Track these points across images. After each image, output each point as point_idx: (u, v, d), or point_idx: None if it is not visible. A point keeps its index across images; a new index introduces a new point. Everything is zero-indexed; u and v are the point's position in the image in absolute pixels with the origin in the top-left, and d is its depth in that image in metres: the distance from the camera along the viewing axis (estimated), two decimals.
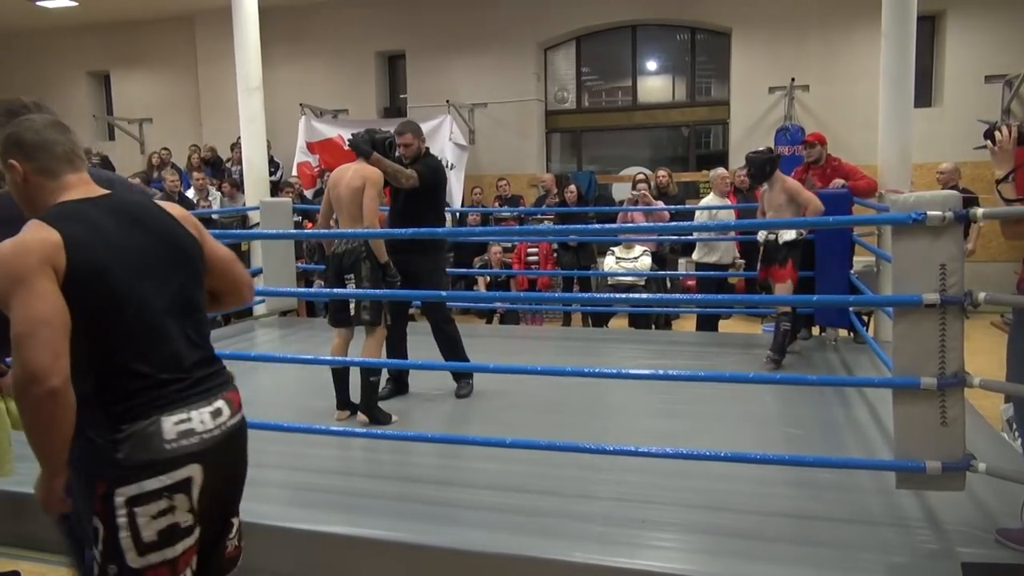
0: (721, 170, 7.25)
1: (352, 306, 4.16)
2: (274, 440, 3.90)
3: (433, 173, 4.60)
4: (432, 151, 10.15)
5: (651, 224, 7.08)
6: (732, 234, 6.70)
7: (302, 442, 3.92)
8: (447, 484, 3.32)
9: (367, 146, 4.25)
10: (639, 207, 7.23)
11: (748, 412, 4.14)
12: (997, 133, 2.72)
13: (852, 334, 5.92)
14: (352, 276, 4.11)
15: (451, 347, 4.61)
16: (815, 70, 9.77)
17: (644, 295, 6.59)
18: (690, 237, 7.28)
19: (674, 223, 7.25)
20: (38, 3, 11.36)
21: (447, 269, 4.88)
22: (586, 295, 6.05)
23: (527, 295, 6.93)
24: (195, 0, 11.20)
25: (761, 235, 5.46)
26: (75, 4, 11.50)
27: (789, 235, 5.26)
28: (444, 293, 4.34)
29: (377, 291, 4.02)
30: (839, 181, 5.81)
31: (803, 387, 4.81)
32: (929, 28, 9.63)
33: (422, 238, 4.29)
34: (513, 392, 4.45)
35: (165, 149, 11.38)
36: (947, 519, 2.87)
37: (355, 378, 4.26)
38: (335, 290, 4.17)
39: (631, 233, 7.14)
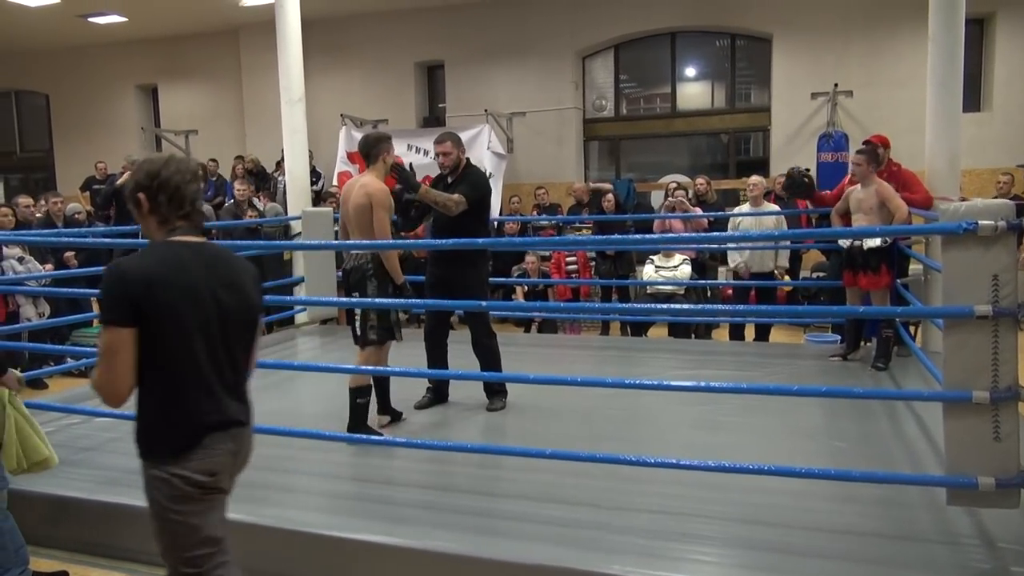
0: (755, 178, 7.12)
1: (359, 323, 4.06)
2: (315, 448, 3.95)
3: (477, 190, 4.48)
4: (471, 160, 10.38)
5: (689, 234, 7.01)
6: (774, 242, 6.61)
7: (341, 451, 3.96)
8: (486, 495, 3.32)
9: (415, 179, 4.19)
10: (676, 215, 7.16)
11: (792, 425, 4.06)
12: None
13: (898, 345, 5.78)
14: (358, 294, 4.05)
15: (489, 361, 4.52)
16: (858, 75, 9.60)
17: (684, 305, 6.47)
18: (728, 245, 7.16)
19: (714, 232, 7.16)
20: (89, 19, 11.72)
21: (487, 281, 4.79)
22: (624, 305, 5.97)
23: (565, 305, 6.89)
24: (239, 14, 11.43)
25: (844, 240, 5.38)
26: (124, 20, 11.84)
27: (874, 241, 5.19)
28: (484, 303, 4.25)
29: (401, 301, 3.96)
30: None
31: (849, 400, 4.73)
32: (977, 31, 9.40)
33: (462, 249, 4.23)
34: (552, 402, 4.43)
35: (212, 160, 11.63)
36: (1000, 537, 2.78)
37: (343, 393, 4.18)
38: (358, 299, 4.05)
39: (667, 241, 7.05)
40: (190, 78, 13.33)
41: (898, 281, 5.79)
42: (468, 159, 4.71)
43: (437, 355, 4.65)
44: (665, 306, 5.12)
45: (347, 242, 4.15)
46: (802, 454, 3.67)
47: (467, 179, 4.49)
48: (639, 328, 7.45)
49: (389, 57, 11.82)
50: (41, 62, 14.02)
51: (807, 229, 7.02)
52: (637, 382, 3.11)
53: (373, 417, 4.22)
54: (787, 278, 7.23)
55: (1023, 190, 8.26)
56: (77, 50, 13.60)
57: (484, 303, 4.14)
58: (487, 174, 10.10)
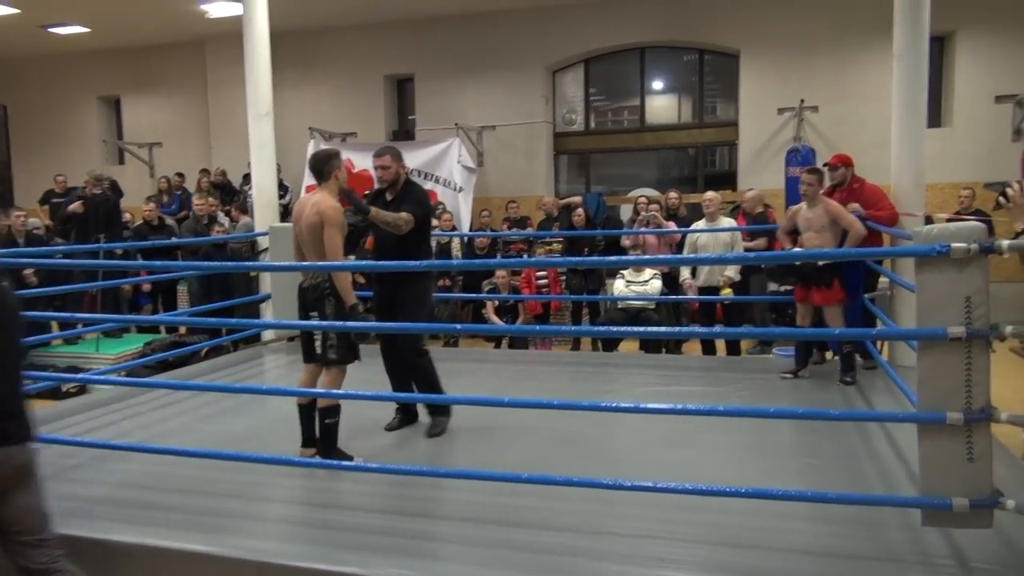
0: (709, 194, 7.20)
1: (318, 343, 3.98)
2: (285, 473, 3.86)
3: (423, 206, 4.44)
4: (440, 174, 10.35)
5: (656, 256, 7.05)
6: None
7: (312, 476, 3.87)
8: (460, 520, 3.26)
9: (364, 202, 4.15)
10: (650, 230, 7.19)
11: (766, 442, 4.06)
12: (1009, 191, 2.69)
13: (865, 358, 5.84)
14: (316, 314, 3.96)
15: (425, 381, 4.42)
16: (824, 91, 9.76)
17: (652, 328, 6.46)
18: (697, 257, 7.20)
19: (680, 255, 7.22)
20: (49, 29, 11.48)
21: (431, 296, 4.70)
22: (595, 329, 5.92)
23: (540, 329, 6.89)
24: (206, 25, 11.28)
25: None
26: (86, 30, 11.61)
27: (800, 251, 5.23)
28: (459, 327, 4.21)
29: (350, 324, 3.89)
30: (854, 206, 5.73)
31: (816, 406, 4.76)
32: (939, 48, 9.62)
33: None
34: (524, 422, 4.37)
35: (178, 174, 11.44)
36: (975, 557, 2.79)
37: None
38: (312, 322, 3.97)
39: (632, 261, 7.08)
40: (154, 90, 13.11)
41: (866, 296, 5.88)
42: (407, 174, 4.64)
43: (397, 374, 4.58)
44: (629, 329, 5.02)
45: (304, 263, 4.06)
46: (777, 473, 3.67)
47: (411, 196, 4.41)
48: (610, 343, 7.45)
49: (359, 70, 11.75)
50: (1, 73, 13.69)
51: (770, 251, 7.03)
52: (613, 405, 3.06)
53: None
54: (731, 292, 7.23)
55: (984, 204, 8.43)
56: (37, 60, 13.32)
57: (459, 326, 4.07)
58: (457, 188, 10.16)
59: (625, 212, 10.73)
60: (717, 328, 6.49)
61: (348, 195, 4.05)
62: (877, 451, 3.96)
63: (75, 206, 8.29)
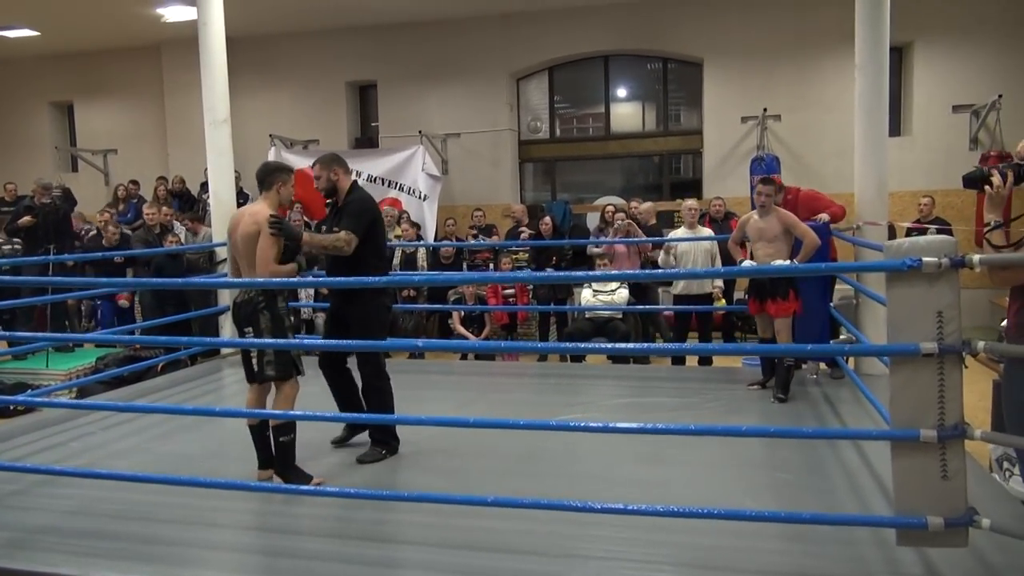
0: (690, 202, 7.19)
1: (255, 360, 3.84)
2: (241, 497, 3.70)
3: (363, 218, 4.15)
4: (405, 182, 10.20)
5: (625, 272, 7.02)
6: (713, 266, 6.68)
7: (271, 500, 3.72)
8: (424, 545, 3.14)
9: (296, 229, 3.98)
10: (620, 239, 7.15)
11: (735, 455, 4.00)
12: (993, 179, 2.62)
13: (832, 367, 5.85)
14: (251, 329, 3.82)
15: (380, 405, 4.22)
16: (786, 100, 9.84)
17: (625, 345, 6.39)
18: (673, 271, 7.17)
19: (660, 270, 7.17)
20: None
21: (385, 313, 4.44)
22: (561, 346, 5.78)
23: (499, 344, 6.79)
24: (161, 29, 11.00)
25: (746, 264, 5.38)
26: (36, 34, 11.25)
27: (781, 265, 5.20)
28: (421, 343, 4.08)
29: (291, 342, 3.77)
30: (824, 216, 5.73)
31: (786, 421, 4.72)
32: (897, 58, 9.75)
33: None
34: (487, 438, 4.24)
35: (133, 182, 11.13)
36: (950, 575, 2.75)
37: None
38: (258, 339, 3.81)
39: (603, 276, 7.03)
40: (108, 95, 12.75)
41: (830, 304, 5.89)
42: (355, 182, 4.37)
43: (339, 384, 4.41)
44: (595, 345, 4.94)
45: (242, 280, 3.89)
46: (749, 488, 3.61)
47: (348, 209, 4.17)
48: (578, 354, 7.38)
49: (319, 76, 11.56)
50: None
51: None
52: (582, 424, 2.96)
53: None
54: (723, 301, 7.30)
55: (943, 212, 8.55)
56: None
57: (421, 342, 3.94)
58: (422, 196, 10.03)
59: (592, 220, 10.70)
60: (687, 344, 6.44)
61: (276, 224, 3.80)
62: (848, 463, 3.92)
63: (24, 220, 8.01)
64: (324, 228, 4.29)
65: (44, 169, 11.95)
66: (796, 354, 5.40)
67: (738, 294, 8.00)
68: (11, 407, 6.10)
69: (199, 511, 3.52)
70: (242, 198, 10.33)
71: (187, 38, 7.58)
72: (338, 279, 4.14)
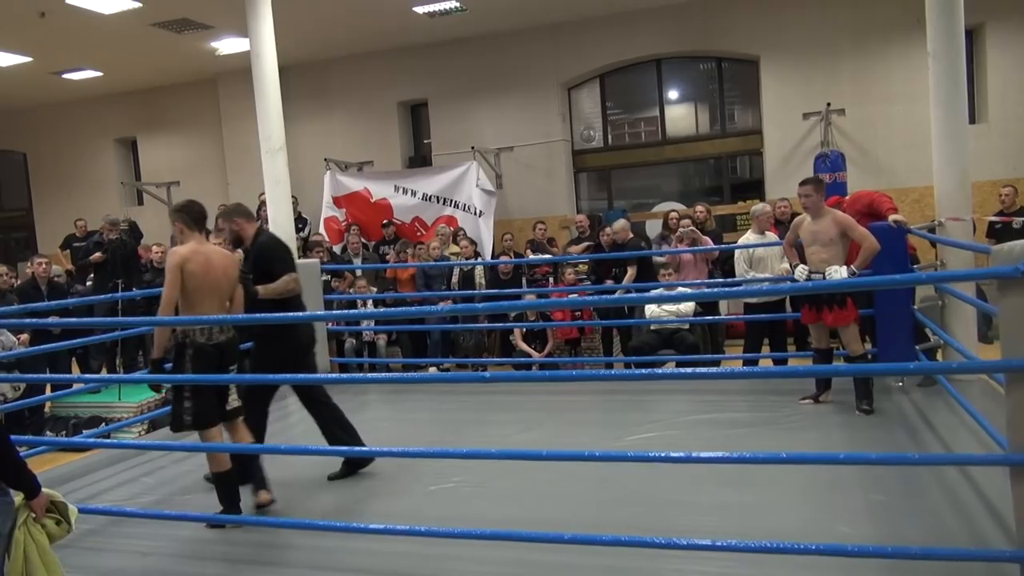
0: (764, 206, 6.91)
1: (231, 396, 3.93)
2: (302, 535, 3.62)
3: (267, 261, 4.24)
4: (459, 199, 10.14)
5: (685, 286, 6.76)
6: (781, 272, 6.38)
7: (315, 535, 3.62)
8: None
9: (250, 285, 4.11)
10: (686, 249, 6.90)
11: (822, 474, 3.72)
12: None
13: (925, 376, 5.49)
14: (235, 366, 3.94)
15: (334, 424, 4.33)
16: (849, 93, 9.45)
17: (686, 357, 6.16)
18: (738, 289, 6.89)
19: (721, 280, 6.95)
20: (63, 75, 11.49)
21: (287, 354, 4.29)
22: (615, 373, 5.58)
23: (544, 375, 6.67)
24: (216, 62, 11.23)
25: (800, 272, 5.11)
26: (99, 74, 11.62)
27: (840, 272, 4.92)
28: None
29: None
30: (896, 217, 5.39)
31: (875, 437, 4.44)
32: (968, 42, 9.27)
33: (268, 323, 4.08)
34: (557, 463, 4.08)
35: None
36: None
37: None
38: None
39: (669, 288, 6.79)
40: (169, 129, 13.10)
41: (913, 307, 5.55)
42: (260, 227, 4.48)
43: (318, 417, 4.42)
44: (653, 371, 4.71)
45: (218, 316, 3.90)
46: (842, 513, 3.36)
47: (261, 256, 4.28)
48: (645, 363, 7.14)
49: (371, 98, 11.62)
50: (17, 120, 13.76)
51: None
52: (663, 455, 2.78)
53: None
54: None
55: None
56: (53, 106, 13.38)
57: (488, 375, 3.80)
58: (477, 212, 9.94)
59: (652, 228, 10.46)
60: (759, 367, 6.15)
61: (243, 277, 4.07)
62: (948, 482, 3.62)
63: (94, 257, 8.23)
64: (243, 271, 4.33)
65: (111, 204, 12.31)
66: (895, 373, 5.03)
67: None
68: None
69: (271, 548, 3.46)
70: (301, 223, 10.44)
71: (241, 69, 7.72)
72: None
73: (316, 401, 4.43)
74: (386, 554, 3.31)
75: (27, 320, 5.89)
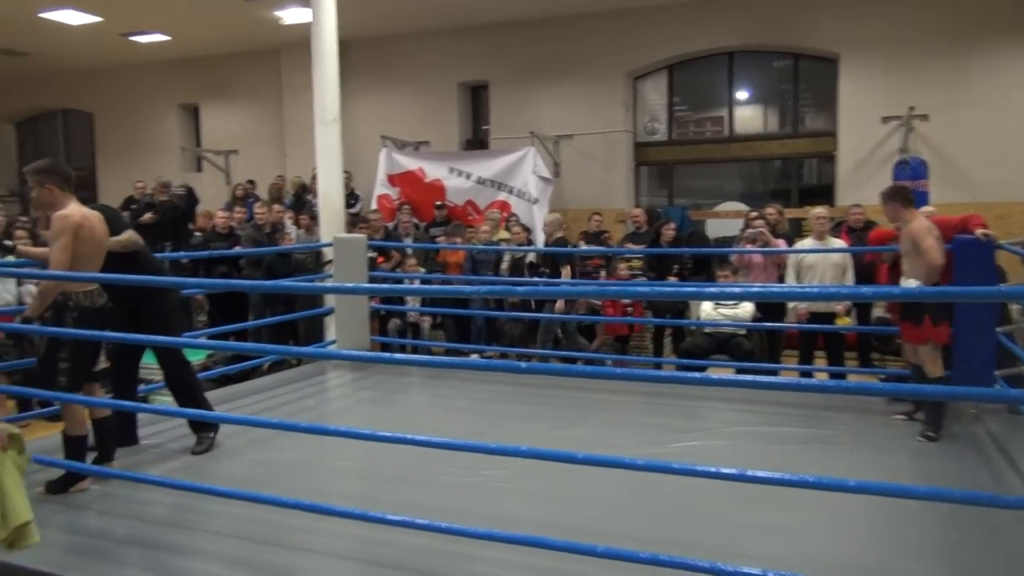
0: (819, 209, 6.47)
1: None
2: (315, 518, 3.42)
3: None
4: (515, 185, 9.88)
5: (738, 287, 6.35)
6: (846, 281, 5.99)
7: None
8: None
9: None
10: (756, 249, 6.53)
11: (883, 502, 3.34)
12: None
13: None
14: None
15: (189, 393, 4.40)
16: (936, 98, 8.87)
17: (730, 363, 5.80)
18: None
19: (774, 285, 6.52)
20: (131, 38, 11.59)
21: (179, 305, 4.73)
22: (656, 374, 5.27)
23: (617, 371, 6.30)
24: (281, 33, 11.18)
25: (906, 282, 4.76)
26: (167, 39, 11.69)
27: (910, 285, 4.55)
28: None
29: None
30: (982, 231, 4.96)
31: (945, 467, 4.06)
32: None
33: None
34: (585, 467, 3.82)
35: (250, 182, 11.35)
36: None
37: None
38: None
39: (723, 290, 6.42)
40: (232, 98, 13.16)
41: (998, 330, 5.10)
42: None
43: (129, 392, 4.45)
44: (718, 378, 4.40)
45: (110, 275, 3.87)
46: (909, 549, 3.02)
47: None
48: (695, 368, 6.79)
49: (432, 77, 11.44)
50: (86, 81, 14.00)
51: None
52: (711, 471, 2.49)
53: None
54: (850, 320, 6.52)
55: None
56: (121, 69, 13.55)
57: (524, 364, 3.55)
58: (532, 199, 9.67)
59: (712, 227, 10.08)
60: (813, 379, 5.77)
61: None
62: None
63: (147, 217, 8.24)
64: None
65: (171, 169, 12.41)
66: (977, 399, 4.62)
67: (877, 311, 7.22)
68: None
69: (288, 531, 3.27)
70: (352, 199, 10.33)
71: (305, 41, 7.59)
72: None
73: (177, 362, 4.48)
74: (403, 547, 3.09)
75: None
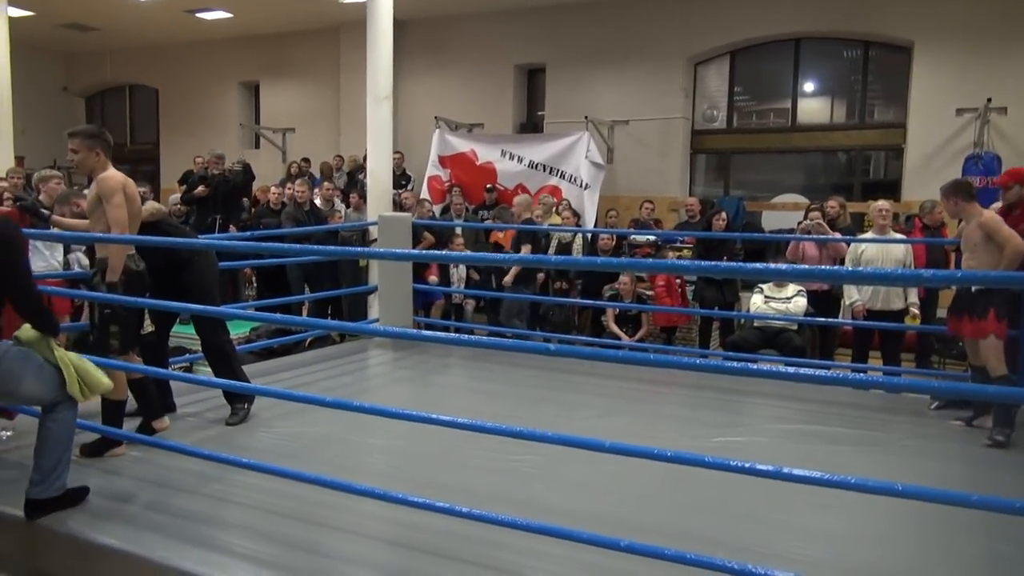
0: (881, 202, 6.17)
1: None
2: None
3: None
4: (566, 170, 9.73)
5: (791, 266, 6.12)
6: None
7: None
8: None
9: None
10: (811, 237, 6.28)
11: (933, 510, 3.13)
12: None
13: None
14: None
15: (227, 364, 4.41)
16: (1016, 89, 8.38)
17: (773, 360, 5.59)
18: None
19: (820, 267, 6.23)
20: (196, 14, 11.79)
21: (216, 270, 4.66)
22: (693, 362, 5.08)
23: (651, 356, 6.12)
24: (341, 11, 11.22)
25: None
26: (230, 16, 11.84)
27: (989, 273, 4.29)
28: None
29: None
30: None
31: (1000, 479, 3.81)
32: None
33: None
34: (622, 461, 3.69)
35: (305, 160, 11.45)
36: None
37: None
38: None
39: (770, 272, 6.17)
40: (291, 76, 13.29)
41: None
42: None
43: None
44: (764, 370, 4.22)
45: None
46: (957, 561, 2.84)
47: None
48: (742, 360, 6.58)
49: (488, 59, 11.34)
50: (153, 56, 14.34)
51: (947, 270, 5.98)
52: (746, 466, 2.36)
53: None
54: (917, 320, 6.24)
55: None
56: (186, 46, 13.82)
57: (553, 347, 3.45)
58: (583, 184, 9.52)
59: (768, 220, 9.77)
60: (869, 376, 5.51)
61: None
62: None
63: (199, 191, 8.35)
64: None
65: (230, 145, 12.62)
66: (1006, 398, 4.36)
67: (942, 312, 6.88)
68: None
69: (309, 505, 3.24)
70: (404, 180, 10.33)
71: (363, 20, 7.58)
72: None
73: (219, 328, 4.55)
74: (427, 529, 3.02)
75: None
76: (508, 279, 7.25)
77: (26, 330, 3.14)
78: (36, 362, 3.08)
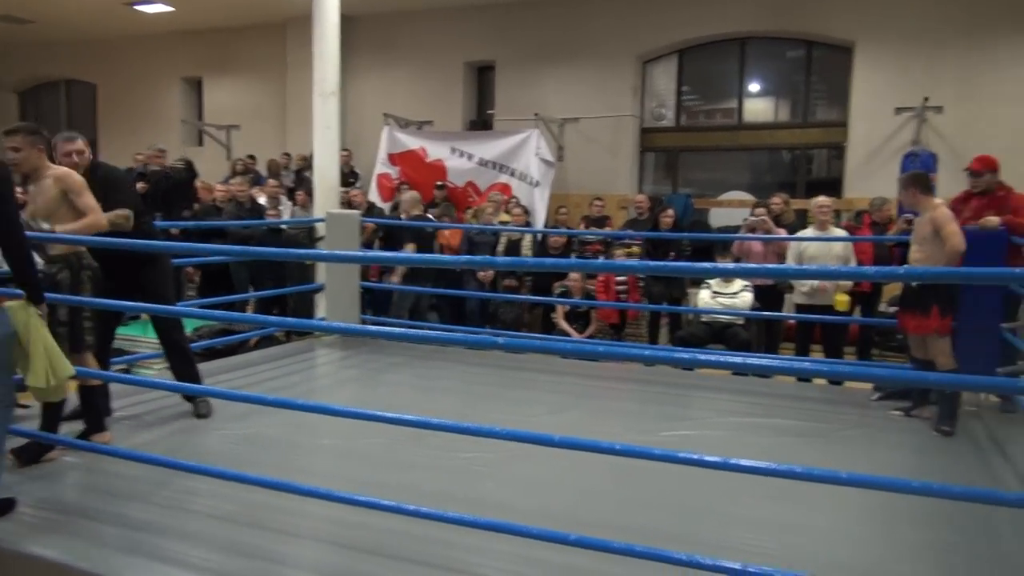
0: (821, 199, 6.30)
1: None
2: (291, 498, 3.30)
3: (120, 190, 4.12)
4: (516, 167, 9.71)
5: (737, 265, 6.21)
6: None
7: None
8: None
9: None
10: (756, 236, 6.36)
11: (881, 499, 3.20)
12: None
13: (1003, 400, 4.91)
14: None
15: (185, 359, 4.41)
16: (952, 89, 8.65)
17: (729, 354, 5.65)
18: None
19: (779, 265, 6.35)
20: (136, 7, 11.44)
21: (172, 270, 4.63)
22: (671, 354, 5.11)
23: (600, 348, 6.14)
24: (286, 7, 11.01)
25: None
26: (171, 10, 11.53)
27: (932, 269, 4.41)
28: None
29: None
30: (993, 220, 4.81)
31: (942, 465, 3.92)
32: None
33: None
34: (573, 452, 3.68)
35: (250, 157, 11.22)
36: None
37: None
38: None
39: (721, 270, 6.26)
40: (235, 72, 13.00)
41: (1003, 326, 4.94)
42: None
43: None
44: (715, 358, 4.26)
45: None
46: (904, 550, 2.89)
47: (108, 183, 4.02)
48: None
49: (438, 56, 11.26)
50: (91, 51, 13.89)
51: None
52: (697, 458, 2.35)
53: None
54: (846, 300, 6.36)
55: None
56: (125, 40, 13.44)
57: (502, 340, 3.41)
58: (533, 182, 9.51)
59: (716, 217, 9.91)
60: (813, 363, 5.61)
61: None
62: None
63: (139, 187, 8.09)
64: None
65: (172, 142, 12.26)
66: (979, 388, 4.50)
67: (882, 307, 7.06)
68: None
69: (255, 508, 3.15)
70: (352, 177, 10.19)
71: (310, 16, 7.43)
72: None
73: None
74: (378, 530, 2.96)
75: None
76: (396, 277, 7.33)
77: (13, 303, 3.08)
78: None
